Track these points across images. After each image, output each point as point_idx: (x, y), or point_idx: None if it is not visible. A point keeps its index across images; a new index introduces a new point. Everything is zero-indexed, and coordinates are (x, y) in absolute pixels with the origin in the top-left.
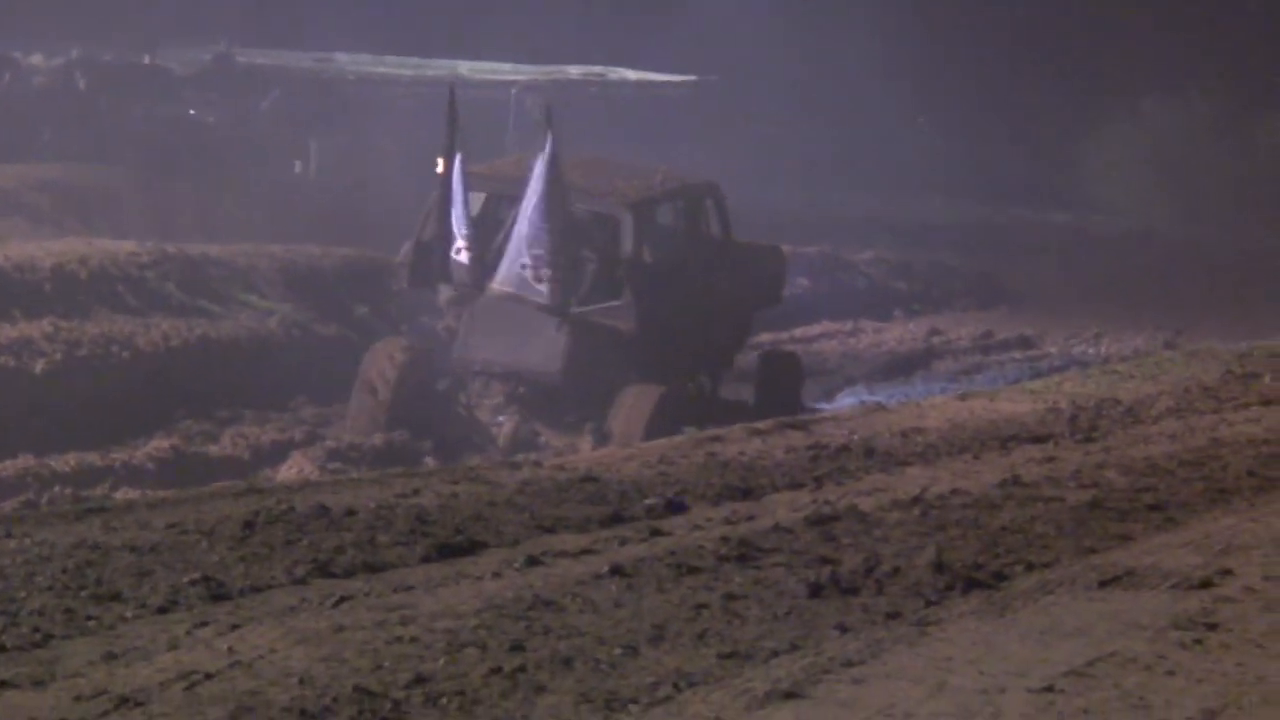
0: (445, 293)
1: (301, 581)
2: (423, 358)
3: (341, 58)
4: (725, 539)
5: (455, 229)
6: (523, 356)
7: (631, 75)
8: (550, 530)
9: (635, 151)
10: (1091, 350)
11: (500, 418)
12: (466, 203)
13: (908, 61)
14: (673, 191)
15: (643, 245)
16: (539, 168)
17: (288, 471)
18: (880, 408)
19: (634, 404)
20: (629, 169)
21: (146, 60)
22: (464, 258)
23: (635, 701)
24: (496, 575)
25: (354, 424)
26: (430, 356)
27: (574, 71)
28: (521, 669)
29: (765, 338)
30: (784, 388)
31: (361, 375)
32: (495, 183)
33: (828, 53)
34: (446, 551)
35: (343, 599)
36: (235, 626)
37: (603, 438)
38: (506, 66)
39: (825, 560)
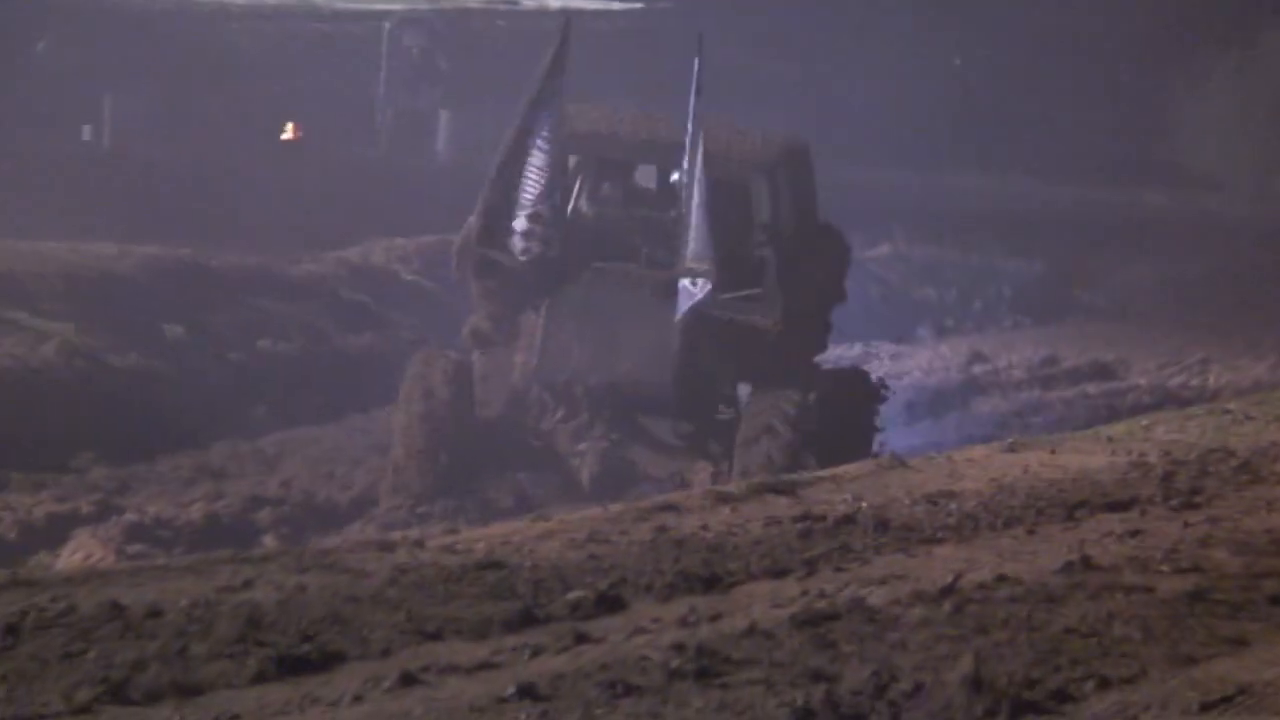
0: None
1: (85, 710)
2: (468, 375)
3: None
4: (679, 647)
5: (530, 197)
6: (621, 364)
7: (553, 2)
8: (435, 636)
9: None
10: (1194, 382)
11: (581, 445)
12: (553, 167)
13: None
14: (791, 153)
15: (779, 220)
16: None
17: (70, 557)
18: (898, 464)
19: (767, 421)
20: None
21: None
22: (535, 235)
23: None
24: (358, 700)
25: (404, 474)
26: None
27: None
28: None
29: None
30: (854, 415)
31: (409, 410)
32: (602, 145)
33: None
34: (288, 667)
35: None
36: None
37: (728, 467)
38: None
39: (819, 676)
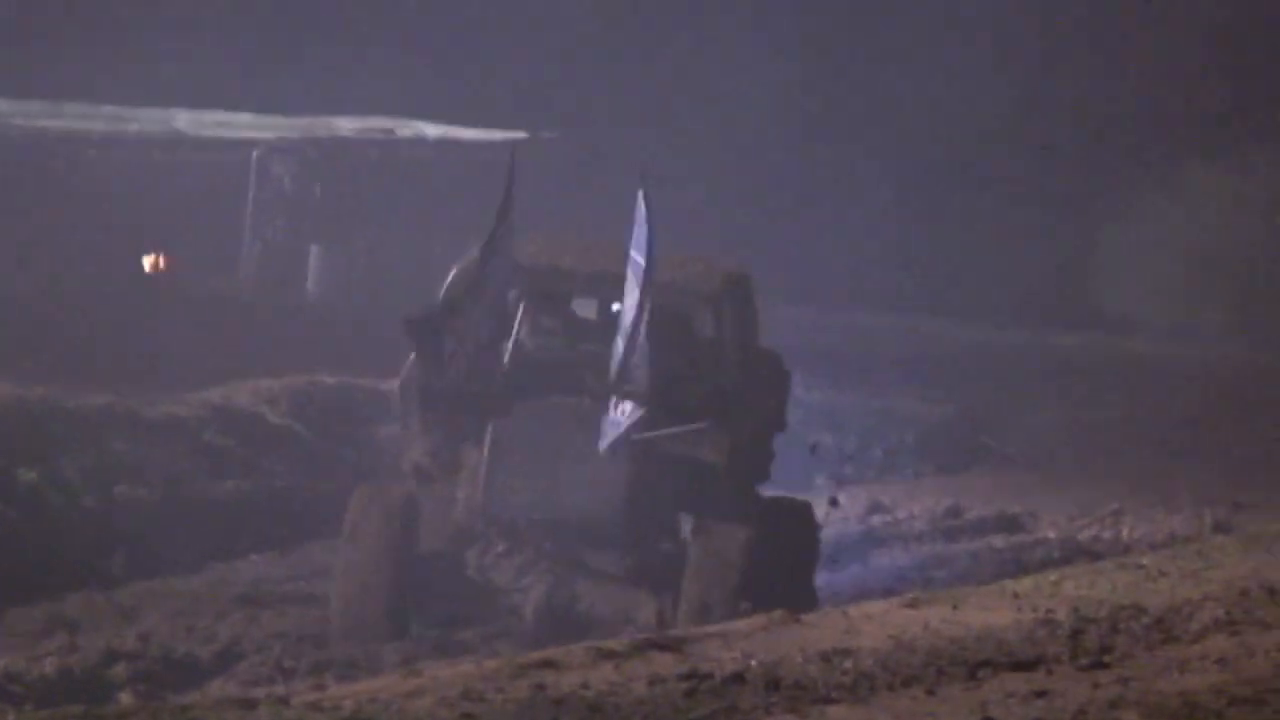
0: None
1: None
2: (414, 510)
3: (1, 105)
4: None
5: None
6: (566, 498)
7: (431, 131)
8: None
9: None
10: (1106, 535)
11: (525, 580)
12: (502, 299)
13: (842, 115)
14: (734, 281)
15: (723, 349)
16: (636, 259)
17: None
18: (790, 620)
19: (716, 555)
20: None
21: None
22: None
23: None
24: None
25: (348, 618)
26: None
27: (346, 125)
28: None
29: None
30: (793, 552)
31: (353, 547)
32: (544, 278)
33: (735, 98)
34: None
35: None
36: None
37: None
38: (244, 118)
39: None
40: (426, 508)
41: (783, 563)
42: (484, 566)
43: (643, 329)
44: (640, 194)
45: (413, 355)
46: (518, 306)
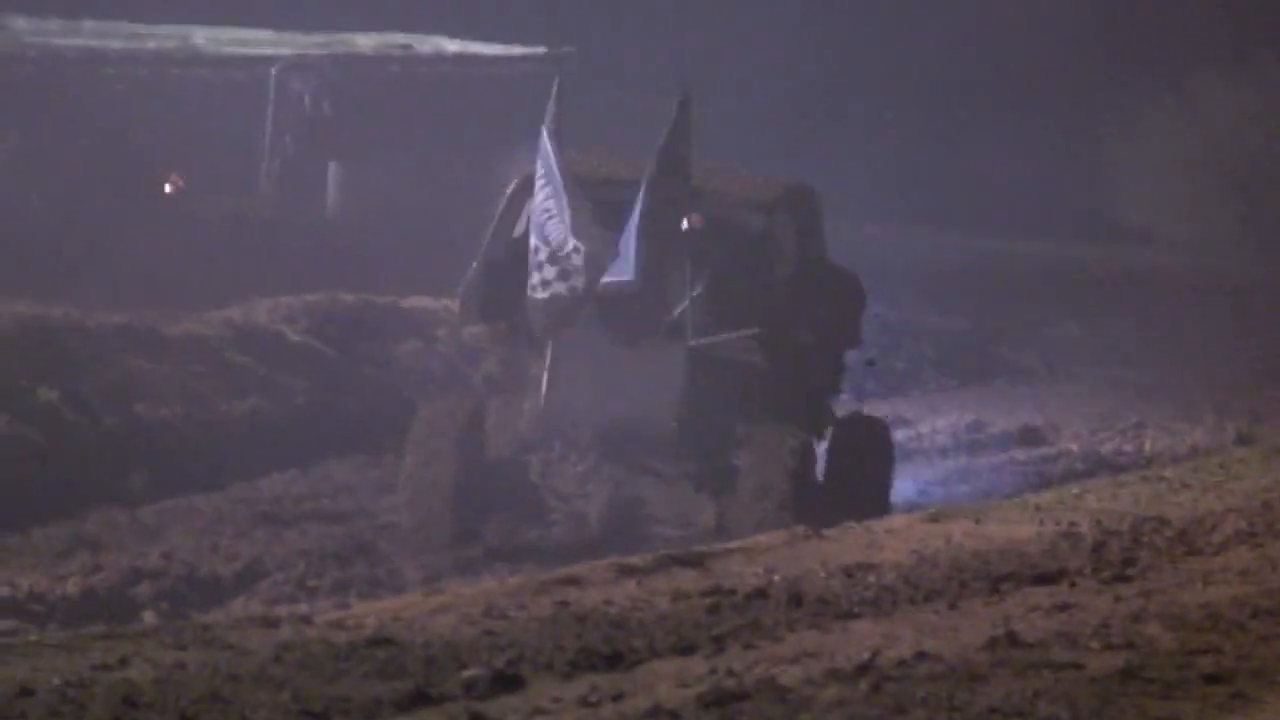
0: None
1: None
2: (481, 420)
3: (19, 23)
4: None
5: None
6: (626, 404)
7: (450, 47)
8: (321, 717)
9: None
10: (1128, 448)
11: (589, 486)
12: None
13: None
14: (793, 195)
15: (774, 260)
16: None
17: None
18: (812, 535)
19: (765, 462)
20: (706, 166)
21: None
22: (560, 290)
23: None
24: None
25: (417, 526)
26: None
27: (364, 42)
28: None
29: None
30: (868, 466)
31: (416, 454)
32: (600, 190)
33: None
34: None
35: None
36: None
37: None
38: (264, 35)
39: None
40: (494, 417)
41: (857, 476)
42: (548, 474)
43: (639, 229)
44: (678, 103)
45: (474, 266)
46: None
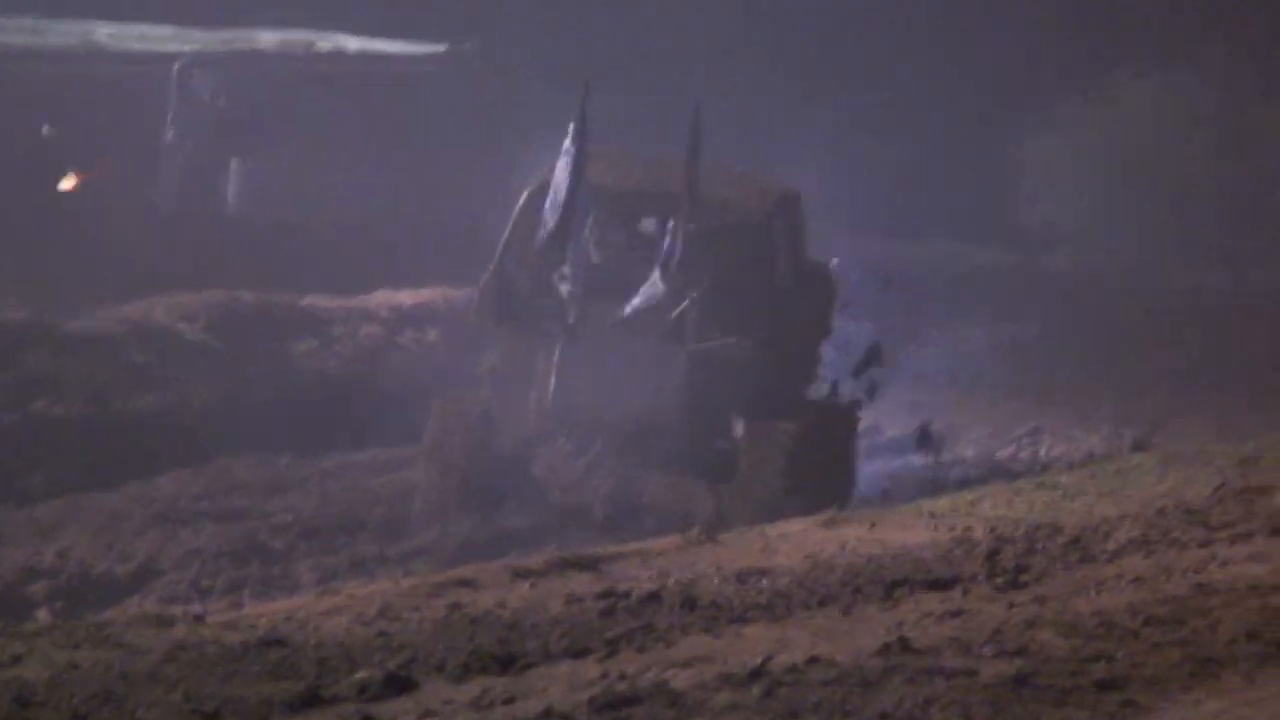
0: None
1: None
2: (490, 414)
3: None
4: None
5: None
6: (631, 398)
7: (352, 44)
8: (213, 716)
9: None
10: (1023, 454)
11: (590, 476)
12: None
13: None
14: (785, 200)
15: (774, 262)
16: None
17: None
18: (707, 540)
19: (764, 453)
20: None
21: None
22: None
23: None
24: None
25: (429, 514)
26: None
27: (266, 39)
28: None
29: None
30: (837, 448)
31: (432, 449)
32: (611, 197)
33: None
34: None
35: None
36: None
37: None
38: (165, 31)
39: None
40: (501, 411)
41: (828, 457)
42: (553, 464)
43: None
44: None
45: (490, 270)
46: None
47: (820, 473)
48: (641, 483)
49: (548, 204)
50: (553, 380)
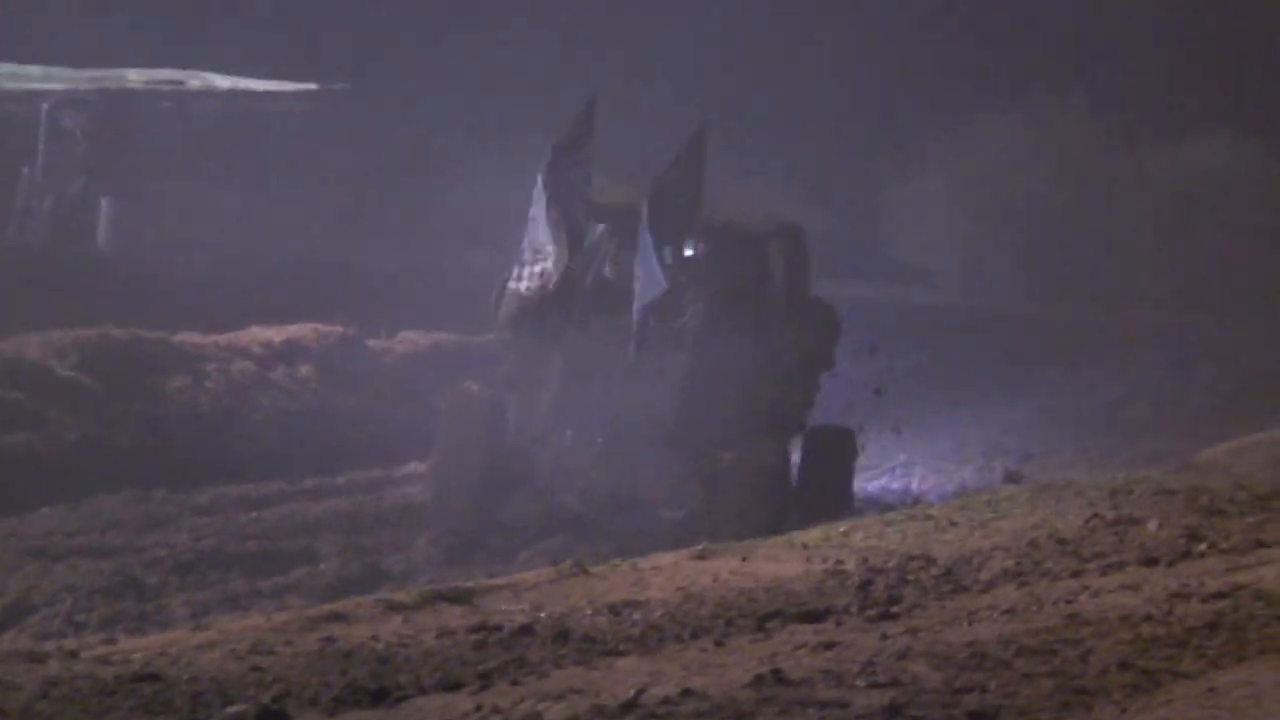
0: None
1: None
2: (500, 413)
3: None
4: None
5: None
6: (632, 406)
7: (221, 82)
8: None
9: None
10: (895, 485)
11: (592, 474)
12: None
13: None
14: (784, 231)
15: (769, 288)
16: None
17: None
18: (580, 572)
19: (752, 466)
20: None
21: None
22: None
23: None
24: None
25: (443, 507)
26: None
27: (134, 77)
28: None
29: None
30: (836, 468)
31: (445, 443)
32: (624, 218)
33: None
34: None
35: None
36: None
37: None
38: (34, 70)
39: None
40: (512, 411)
41: (828, 476)
42: (559, 462)
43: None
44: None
45: (504, 283)
46: (601, 244)
47: (821, 489)
48: (640, 478)
49: (530, 236)
50: (560, 382)
